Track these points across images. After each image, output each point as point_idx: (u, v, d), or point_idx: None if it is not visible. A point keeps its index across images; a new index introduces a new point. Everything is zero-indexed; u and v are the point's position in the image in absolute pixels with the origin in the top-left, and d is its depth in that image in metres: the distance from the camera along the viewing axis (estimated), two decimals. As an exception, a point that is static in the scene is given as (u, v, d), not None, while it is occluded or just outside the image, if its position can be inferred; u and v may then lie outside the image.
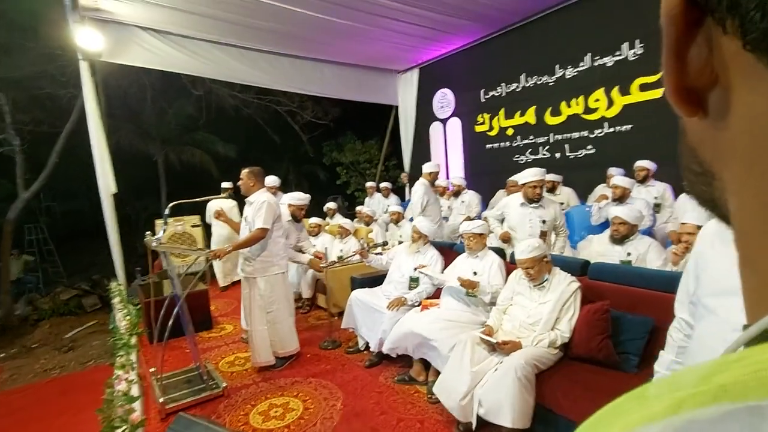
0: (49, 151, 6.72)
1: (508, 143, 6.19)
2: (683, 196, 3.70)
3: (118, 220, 5.15)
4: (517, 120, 5.99)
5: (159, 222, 5.80)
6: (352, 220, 6.57)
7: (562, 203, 4.65)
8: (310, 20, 5.11)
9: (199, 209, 5.91)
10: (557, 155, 5.55)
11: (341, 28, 5.44)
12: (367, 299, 3.46)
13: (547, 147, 5.68)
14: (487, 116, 6.44)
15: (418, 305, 3.22)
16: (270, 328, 3.29)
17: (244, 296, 3.37)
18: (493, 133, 6.40)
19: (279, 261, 3.33)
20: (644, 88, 4.58)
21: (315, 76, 6.77)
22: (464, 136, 6.92)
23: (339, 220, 5.84)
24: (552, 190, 4.89)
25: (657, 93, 4.47)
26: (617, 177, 3.88)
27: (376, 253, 3.90)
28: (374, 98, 7.73)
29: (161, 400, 2.72)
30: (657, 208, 4.04)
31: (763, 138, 0.18)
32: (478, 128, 6.61)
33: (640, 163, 4.15)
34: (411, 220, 4.70)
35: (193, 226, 6.20)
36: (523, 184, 3.40)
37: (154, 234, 3.06)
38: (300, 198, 4.00)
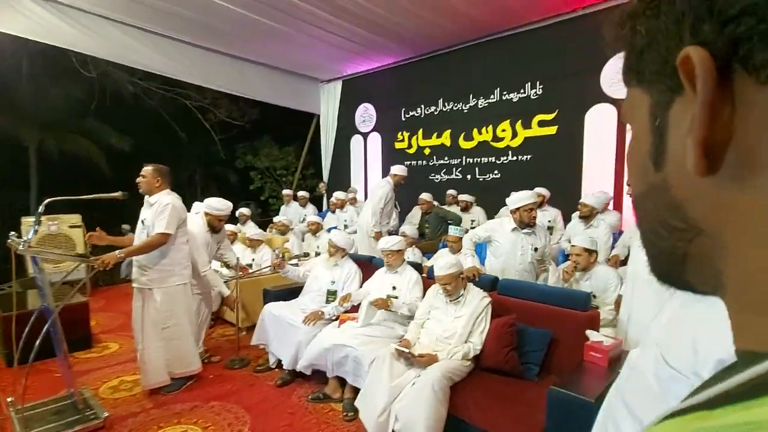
0: None
1: (425, 162, 6.50)
2: (574, 221, 4.23)
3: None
4: (434, 141, 6.34)
5: (27, 220, 4.89)
6: (266, 228, 6.25)
7: (474, 221, 5.01)
8: (232, 15, 4.83)
9: (81, 208, 5.09)
10: (468, 177, 5.97)
11: (266, 29, 5.24)
12: (282, 313, 3.29)
13: (459, 168, 6.08)
14: (406, 134, 6.70)
15: (336, 319, 3.15)
16: (166, 345, 2.93)
17: (135, 309, 2.95)
18: (411, 150, 6.67)
19: (181, 270, 3.00)
20: (542, 124, 5.20)
21: (234, 74, 6.41)
22: (384, 151, 7.09)
23: (251, 228, 5.51)
24: (466, 209, 5.25)
25: (552, 130, 5.11)
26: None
27: (293, 264, 3.75)
28: (295, 104, 7.58)
29: (18, 437, 2.24)
30: (549, 230, 4.55)
31: None
32: (398, 145, 6.84)
33: (537, 190, 4.65)
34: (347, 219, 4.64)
35: (71, 227, 5.32)
36: (516, 209, 3.05)
37: (20, 235, 2.56)
38: (219, 208, 3.46)
